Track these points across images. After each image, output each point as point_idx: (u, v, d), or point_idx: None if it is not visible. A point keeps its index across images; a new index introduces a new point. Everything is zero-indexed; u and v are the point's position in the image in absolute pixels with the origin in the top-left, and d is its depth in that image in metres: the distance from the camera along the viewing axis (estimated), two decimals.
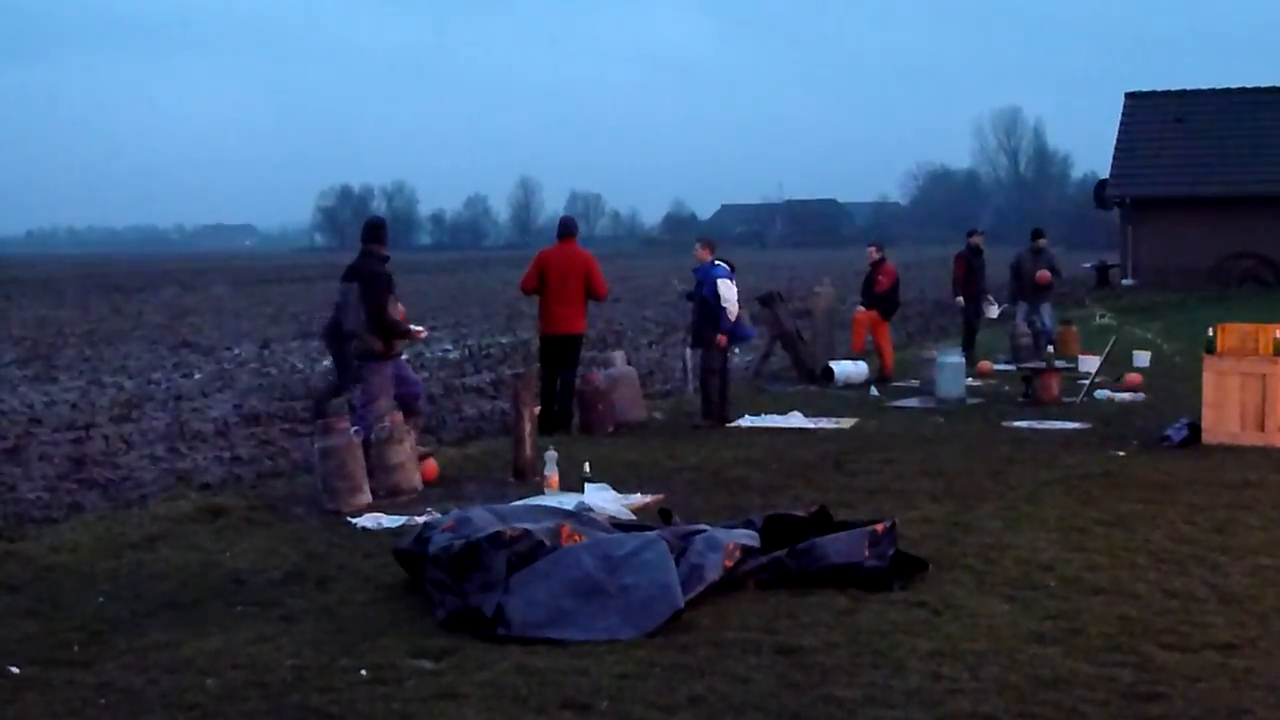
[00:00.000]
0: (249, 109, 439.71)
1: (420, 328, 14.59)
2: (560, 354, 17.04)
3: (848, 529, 9.59)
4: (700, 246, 18.09)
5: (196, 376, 26.28)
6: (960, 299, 25.24)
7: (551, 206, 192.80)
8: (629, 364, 18.74)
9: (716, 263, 17.56)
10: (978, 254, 25.24)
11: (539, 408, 15.77)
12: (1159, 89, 53.63)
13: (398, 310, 13.99)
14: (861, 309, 23.33)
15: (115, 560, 10.41)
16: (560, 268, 16.99)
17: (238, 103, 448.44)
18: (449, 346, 32.33)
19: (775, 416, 17.82)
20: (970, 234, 25.86)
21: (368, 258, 13.90)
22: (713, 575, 8.83)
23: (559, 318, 17.02)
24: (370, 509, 12.12)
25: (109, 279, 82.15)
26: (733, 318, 17.31)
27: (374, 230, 14.13)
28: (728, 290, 17.27)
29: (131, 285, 73.08)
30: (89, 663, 7.86)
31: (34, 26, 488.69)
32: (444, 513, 10.85)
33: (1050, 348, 21.35)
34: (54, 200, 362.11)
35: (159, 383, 25.23)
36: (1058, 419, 17.27)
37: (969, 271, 25.06)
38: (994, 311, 25.56)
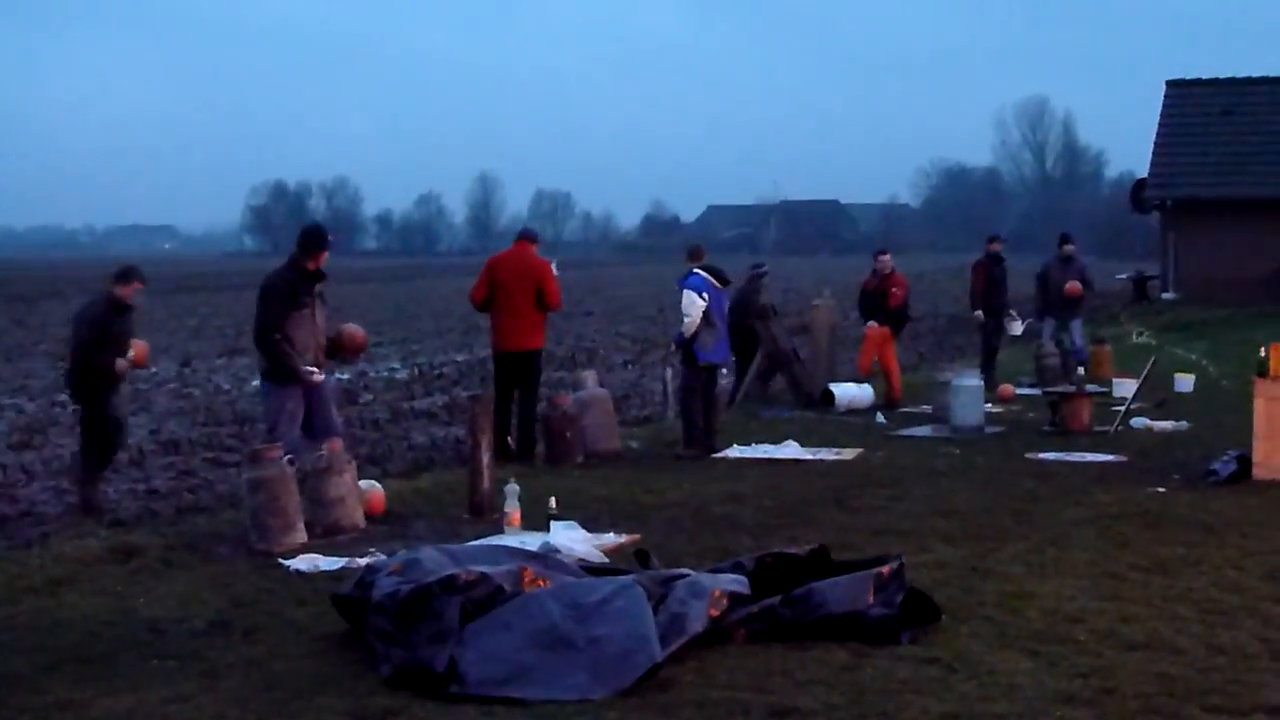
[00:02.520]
0: (170, 95, 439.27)
1: (316, 373, 14.15)
2: (516, 373, 17.09)
3: (850, 571, 9.60)
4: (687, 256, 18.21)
5: None
6: (979, 313, 25.19)
7: (514, 206, 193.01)
8: (601, 386, 18.74)
9: (695, 270, 17.62)
10: (998, 263, 25.18)
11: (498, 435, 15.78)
12: (1204, 77, 53.78)
13: (316, 334, 14.07)
14: (874, 325, 23.17)
15: (13, 607, 10.37)
16: (511, 276, 17.05)
17: (157, 88, 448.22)
18: (396, 365, 32.33)
19: (768, 446, 17.84)
20: (990, 241, 25.81)
21: (284, 267, 14.25)
22: (696, 626, 8.82)
23: (510, 331, 17.09)
24: (305, 549, 12.10)
25: (8, 286, 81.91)
26: (686, 332, 17.44)
27: (303, 237, 14.47)
28: (687, 301, 17.41)
29: (34, 294, 72.90)
30: None
31: None
32: (390, 554, 10.84)
33: (1080, 370, 21.42)
34: None
35: (64, 405, 25.14)
36: (1089, 450, 17.31)
37: (989, 283, 25.01)
38: (1017, 328, 25.51)
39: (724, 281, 17.82)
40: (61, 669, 8.83)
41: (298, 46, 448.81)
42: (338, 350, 14.78)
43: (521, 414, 16.94)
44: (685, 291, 17.52)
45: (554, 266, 17.50)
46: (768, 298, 23.10)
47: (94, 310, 15.22)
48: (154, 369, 31.84)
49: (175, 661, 8.95)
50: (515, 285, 16.98)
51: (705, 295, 17.39)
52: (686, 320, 17.40)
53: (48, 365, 33.14)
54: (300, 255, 14.10)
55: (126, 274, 15.37)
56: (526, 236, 17.58)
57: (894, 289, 22.94)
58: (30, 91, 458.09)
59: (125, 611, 10.19)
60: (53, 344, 39.45)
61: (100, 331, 14.92)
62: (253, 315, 14.60)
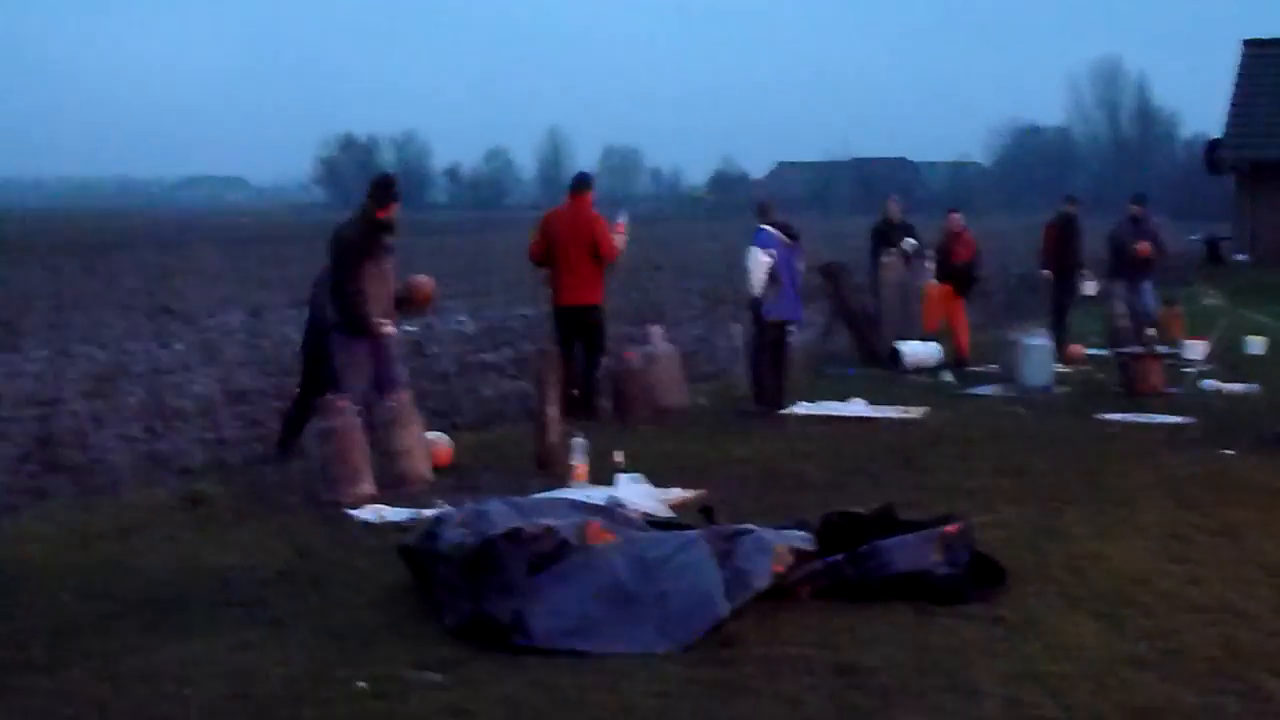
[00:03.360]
0: (239, 48, 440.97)
1: (388, 324, 14.03)
2: (574, 328, 17.07)
3: (916, 530, 9.58)
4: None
5: (177, 347, 26.36)
6: (1046, 273, 25.02)
7: (583, 161, 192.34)
8: (669, 342, 18.73)
9: (763, 227, 17.52)
10: (1071, 223, 24.97)
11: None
12: None
13: (386, 286, 13.98)
14: (934, 283, 23.20)
15: (83, 554, 10.47)
16: (565, 231, 17.02)
17: (227, 41, 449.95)
18: (464, 318, 32.36)
19: (835, 404, 17.80)
20: (1068, 200, 25.59)
21: (356, 219, 14.05)
22: (761, 582, 8.81)
23: (566, 287, 17.07)
24: (373, 500, 12.17)
25: (80, 236, 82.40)
26: (753, 290, 17.39)
27: (374, 188, 14.15)
28: (751, 259, 17.36)
29: (105, 243, 73.30)
30: (52, 668, 7.91)
31: None
32: (456, 506, 10.87)
33: (1151, 331, 21.29)
34: (17, 148, 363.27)
35: (135, 354, 25.33)
36: (1158, 413, 17.20)
37: (1060, 243, 24.83)
38: (1091, 288, 25.28)
39: (793, 237, 17.72)
40: (130, 616, 8.92)
41: (367, 0, 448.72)
42: (406, 302, 14.72)
43: (584, 370, 16.92)
44: (751, 249, 17.46)
45: (624, 219, 17.44)
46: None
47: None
48: (222, 318, 32.06)
49: (242, 610, 9.03)
50: (570, 240, 16.95)
51: (772, 252, 17.32)
52: (751, 278, 17.36)
53: (118, 314, 33.35)
54: (371, 205, 13.98)
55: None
56: (579, 187, 17.40)
57: (959, 247, 22.85)
58: (102, 44, 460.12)
59: (193, 560, 10.28)
60: (123, 294, 39.72)
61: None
62: (321, 266, 14.61)
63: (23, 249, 66.67)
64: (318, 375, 14.40)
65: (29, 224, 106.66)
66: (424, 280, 15.00)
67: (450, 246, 68.65)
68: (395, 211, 14.15)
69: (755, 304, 17.49)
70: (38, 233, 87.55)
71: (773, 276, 17.24)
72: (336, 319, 13.99)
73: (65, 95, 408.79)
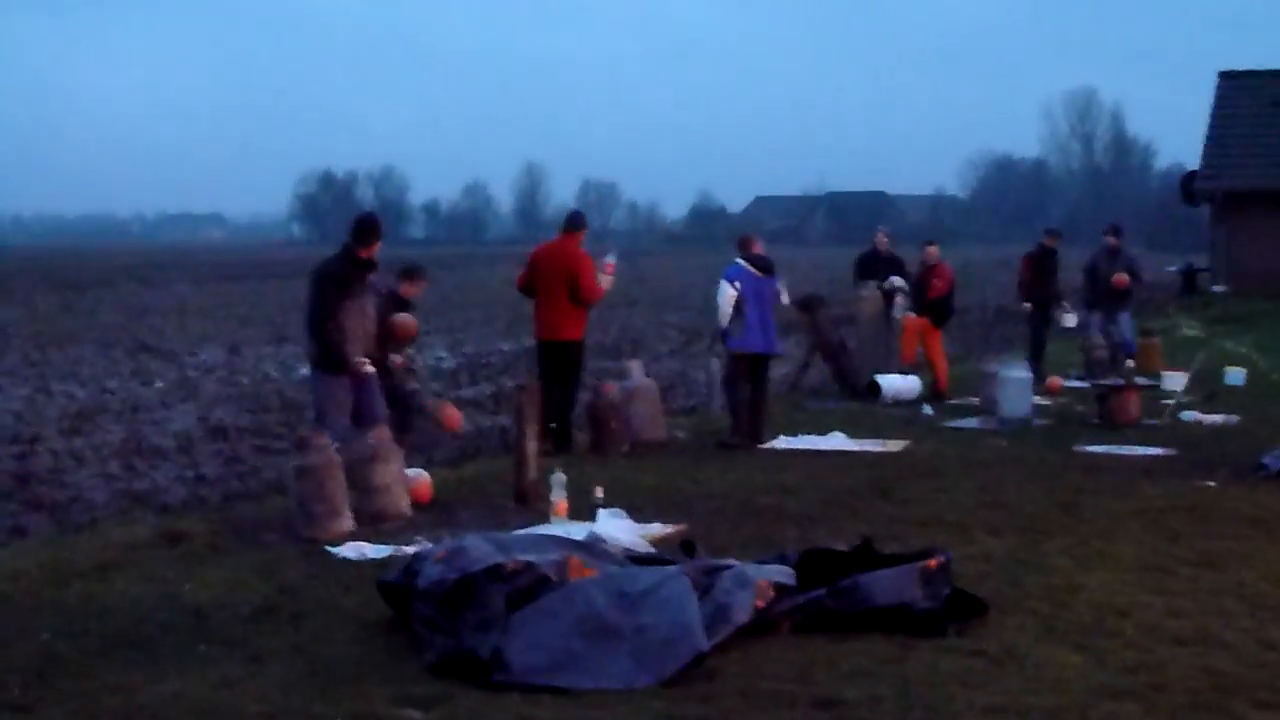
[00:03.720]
0: (217, 85, 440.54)
1: (367, 364, 14.06)
2: (553, 363, 17.09)
3: (895, 564, 9.57)
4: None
5: (157, 385, 26.37)
6: (1026, 305, 25.07)
7: (560, 196, 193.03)
8: (647, 375, 18.74)
9: (736, 260, 17.62)
10: (1051, 255, 25.02)
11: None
12: (1258, 68, 53.40)
13: (367, 324, 14.02)
14: (911, 315, 23.24)
15: (62, 591, 10.42)
16: (550, 267, 17.05)
17: (205, 78, 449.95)
18: (443, 354, 32.39)
19: (814, 437, 17.82)
20: (1048, 233, 25.60)
21: (338, 256, 14.15)
22: (741, 616, 8.81)
23: (545, 323, 17.16)
24: (352, 537, 12.13)
25: (59, 273, 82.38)
26: (720, 322, 17.58)
27: (357, 226, 14.27)
28: (719, 293, 17.55)
29: (84, 280, 73.28)
30: (30, 707, 7.86)
31: None
32: (436, 542, 10.85)
33: (1129, 362, 21.33)
34: None
35: (114, 391, 25.31)
36: (1137, 443, 17.24)
37: (1037, 274, 24.90)
38: (1070, 320, 25.27)
39: (766, 270, 17.70)
40: (109, 653, 8.87)
41: (345, 36, 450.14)
42: (388, 339, 14.76)
43: (558, 403, 16.87)
44: (720, 282, 17.55)
45: (612, 259, 17.45)
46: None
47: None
48: (201, 355, 32.03)
49: (222, 647, 8.98)
50: (552, 277, 16.97)
51: (738, 284, 17.39)
52: (719, 310, 17.46)
53: (97, 351, 33.32)
54: (354, 244, 14.03)
55: (412, 272, 15.91)
56: (570, 226, 17.38)
57: (935, 280, 22.92)
58: (80, 79, 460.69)
59: (173, 597, 10.24)
60: (101, 331, 39.66)
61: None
62: (302, 303, 14.63)
63: (1, 286, 66.59)
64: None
65: (7, 262, 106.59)
66: (405, 319, 15.05)
67: (428, 281, 68.52)
68: (377, 250, 14.22)
69: (724, 335, 17.59)
70: (16, 270, 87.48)
71: (738, 309, 17.30)
72: (315, 355, 14.02)
73: (43, 132, 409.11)
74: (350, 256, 14.01)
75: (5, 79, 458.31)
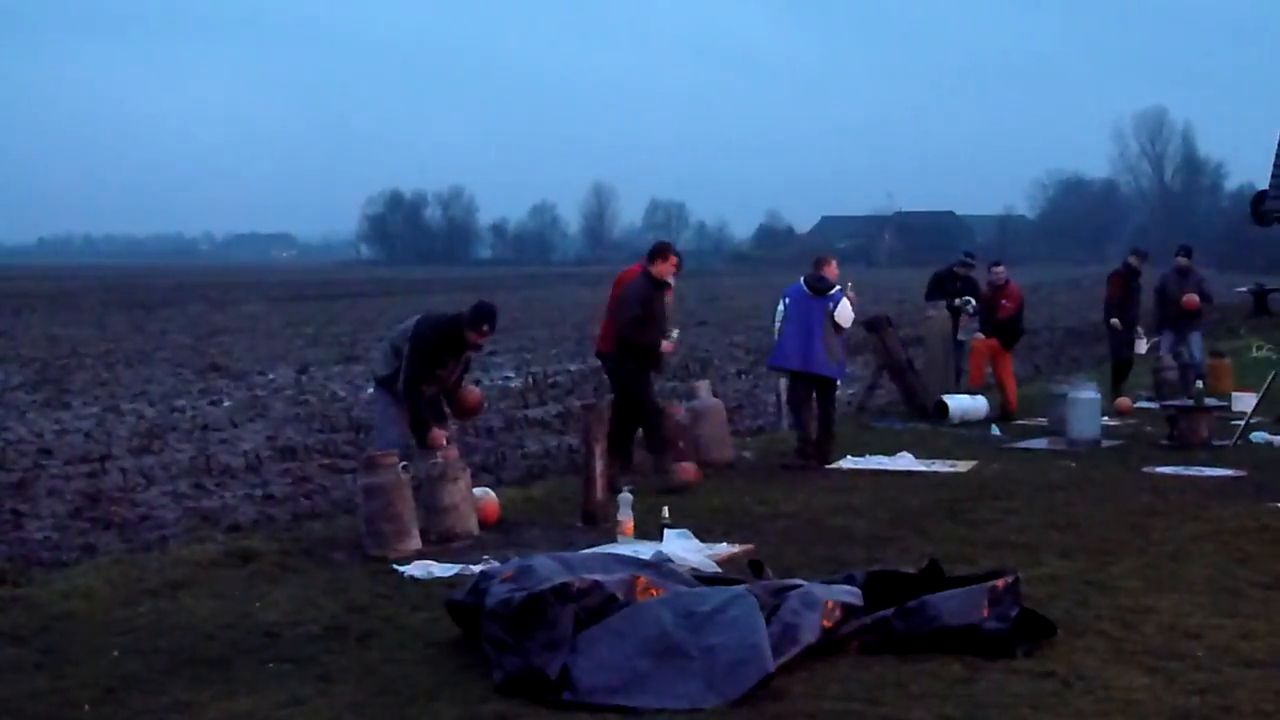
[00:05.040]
0: (287, 106, 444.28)
1: (444, 433, 14.10)
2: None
3: (963, 585, 9.54)
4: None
5: (226, 404, 26.48)
6: (1115, 321, 24.70)
7: (628, 216, 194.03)
8: (715, 395, 18.72)
9: (800, 280, 17.69)
10: (1135, 276, 24.78)
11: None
12: None
13: (441, 388, 14.15)
14: (980, 336, 23.14)
15: (132, 609, 10.49)
16: (617, 290, 17.06)
17: (274, 99, 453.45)
18: (510, 374, 32.44)
19: (882, 458, 17.77)
20: (1134, 253, 25.30)
21: (447, 322, 14.21)
22: (809, 637, 8.80)
23: (601, 335, 17.60)
24: (420, 556, 12.17)
25: (129, 293, 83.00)
26: (775, 339, 17.99)
27: (474, 313, 14.09)
28: (779, 313, 17.85)
29: (154, 301, 73.82)
30: None
31: (41, 15, 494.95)
32: (503, 561, 10.88)
33: (1199, 383, 21.16)
34: (69, 205, 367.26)
35: (183, 410, 25.44)
36: (1207, 465, 17.13)
37: (1126, 293, 24.62)
38: (1142, 346, 25.05)
39: (817, 291, 17.54)
40: (178, 671, 8.92)
41: (415, 59, 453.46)
42: (454, 408, 14.78)
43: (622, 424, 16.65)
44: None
45: (674, 336, 17.36)
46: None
47: (635, 287, 15.79)
48: (270, 375, 32.20)
49: (291, 665, 9.03)
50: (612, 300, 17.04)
51: (786, 301, 17.55)
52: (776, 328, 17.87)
53: (167, 371, 33.53)
54: (466, 326, 14.03)
55: (663, 250, 16.30)
56: (650, 250, 16.94)
57: (1004, 300, 22.81)
58: (153, 103, 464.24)
59: (242, 615, 10.29)
60: (172, 351, 39.94)
61: (643, 309, 15.65)
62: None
63: (72, 306, 67.12)
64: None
65: (79, 282, 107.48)
66: (471, 390, 15.12)
67: (496, 302, 68.72)
68: (484, 339, 14.35)
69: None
70: (87, 290, 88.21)
71: (783, 326, 17.47)
72: (381, 374, 14.17)
73: (114, 154, 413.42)
74: (457, 331, 14.04)
75: (79, 103, 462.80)
